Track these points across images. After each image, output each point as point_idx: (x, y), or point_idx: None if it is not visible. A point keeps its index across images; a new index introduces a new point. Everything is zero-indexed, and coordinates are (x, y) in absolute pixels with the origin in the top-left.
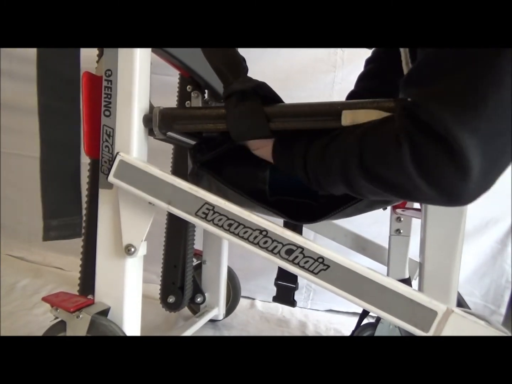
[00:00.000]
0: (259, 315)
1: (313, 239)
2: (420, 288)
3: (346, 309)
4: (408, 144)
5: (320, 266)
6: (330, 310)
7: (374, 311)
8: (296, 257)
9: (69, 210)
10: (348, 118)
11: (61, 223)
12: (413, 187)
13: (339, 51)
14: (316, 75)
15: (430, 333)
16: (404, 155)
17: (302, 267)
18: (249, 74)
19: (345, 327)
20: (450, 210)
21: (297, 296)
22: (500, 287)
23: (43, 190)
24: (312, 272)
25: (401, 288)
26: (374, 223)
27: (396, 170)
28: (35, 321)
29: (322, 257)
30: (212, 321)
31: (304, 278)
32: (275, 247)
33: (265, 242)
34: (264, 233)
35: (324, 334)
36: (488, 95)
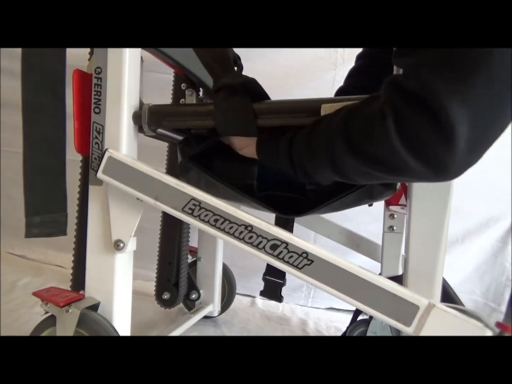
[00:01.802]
0: (260, 313)
1: (314, 238)
2: (405, 283)
3: (346, 307)
4: (393, 117)
5: (304, 261)
6: (331, 308)
7: (357, 306)
8: (281, 252)
9: (53, 207)
10: (327, 110)
11: (45, 220)
12: (399, 161)
13: (339, 49)
14: (317, 73)
15: (412, 327)
16: (389, 128)
17: (287, 262)
18: (250, 72)
19: (345, 325)
20: (434, 205)
21: (298, 294)
22: (500, 285)
23: (26, 187)
24: (296, 267)
25: (384, 283)
26: (374, 221)
27: (381, 144)
28: (36, 319)
29: (306, 252)
30: (211, 318)
31: (288, 273)
32: (260, 242)
33: (250, 237)
34: (249, 228)
35: (324, 332)
36: (481, 65)
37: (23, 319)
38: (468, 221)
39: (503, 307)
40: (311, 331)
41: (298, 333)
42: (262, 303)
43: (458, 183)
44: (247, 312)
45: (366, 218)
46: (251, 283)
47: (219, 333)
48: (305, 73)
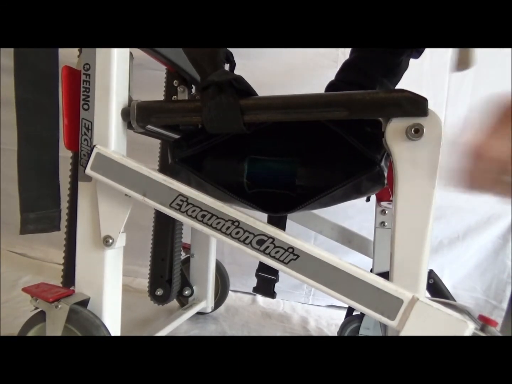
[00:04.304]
0: (261, 311)
1: (314, 237)
2: (390, 278)
3: (347, 305)
4: None
5: (290, 256)
6: (332, 306)
7: (342, 300)
8: (267, 247)
9: (47, 203)
10: None
11: (39, 216)
12: None
13: None
14: (318, 70)
15: (396, 320)
16: None
17: (273, 257)
18: (251, 69)
19: None
20: (419, 201)
21: (299, 291)
22: (501, 282)
23: (20, 183)
24: (282, 262)
25: (368, 277)
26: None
27: None
28: None
29: (292, 247)
30: (213, 316)
31: (275, 268)
32: (247, 237)
33: (237, 233)
34: (236, 223)
35: (325, 329)
36: None
37: (23, 317)
38: (469, 218)
39: (504, 304)
40: (312, 329)
41: (299, 330)
42: (263, 300)
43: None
44: (248, 309)
45: (367, 216)
46: (252, 280)
47: (220, 330)
48: (306, 70)
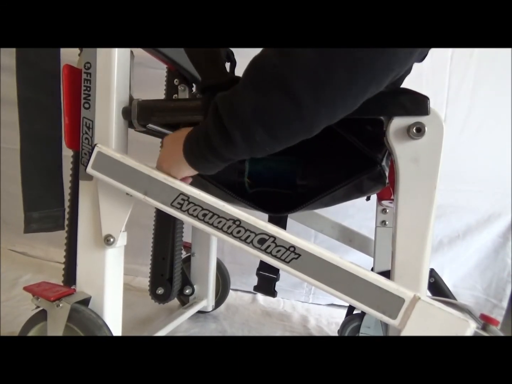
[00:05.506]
0: (261, 309)
1: (314, 235)
2: (392, 277)
3: (347, 303)
4: None
5: (291, 255)
6: (332, 304)
7: (344, 299)
8: (269, 246)
9: (50, 202)
10: None
11: (43, 215)
12: None
13: None
14: None
15: (398, 319)
16: None
17: (275, 256)
18: None
19: None
20: (420, 200)
21: (299, 290)
22: (502, 281)
23: (24, 182)
24: (284, 260)
25: (370, 276)
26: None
27: None
28: None
29: (293, 246)
30: (213, 315)
31: (276, 267)
32: (248, 236)
33: (238, 232)
34: (237, 222)
35: (325, 328)
36: None
37: (24, 316)
38: (469, 217)
39: (504, 303)
40: (312, 328)
41: (299, 329)
42: (263, 299)
43: (459, 179)
44: (248, 308)
45: (367, 214)
46: (252, 279)
47: (220, 329)
48: None
